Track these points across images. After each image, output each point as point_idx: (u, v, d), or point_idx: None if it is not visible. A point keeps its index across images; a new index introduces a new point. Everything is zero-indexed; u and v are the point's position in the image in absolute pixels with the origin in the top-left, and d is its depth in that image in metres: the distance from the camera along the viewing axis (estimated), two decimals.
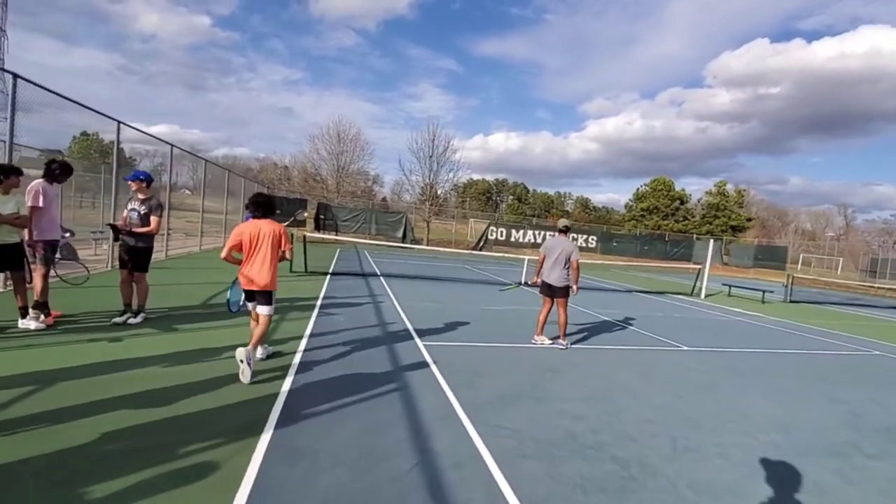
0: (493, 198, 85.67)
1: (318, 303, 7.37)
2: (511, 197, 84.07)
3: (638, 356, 5.94)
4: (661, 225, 44.24)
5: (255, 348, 3.85)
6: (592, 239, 32.26)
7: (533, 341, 5.98)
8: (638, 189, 48.14)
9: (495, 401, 3.83)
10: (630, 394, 4.39)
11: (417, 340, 5.54)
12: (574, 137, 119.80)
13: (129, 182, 5.02)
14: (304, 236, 11.67)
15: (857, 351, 7.75)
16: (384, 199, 56.44)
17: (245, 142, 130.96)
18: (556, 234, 6.24)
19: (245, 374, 3.62)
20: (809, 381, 5.53)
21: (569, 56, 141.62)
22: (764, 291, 14.71)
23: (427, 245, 27.91)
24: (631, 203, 48.90)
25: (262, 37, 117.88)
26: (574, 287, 6.04)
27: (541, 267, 6.18)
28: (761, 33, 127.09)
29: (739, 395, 4.67)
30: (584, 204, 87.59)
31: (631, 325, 8.12)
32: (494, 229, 29.96)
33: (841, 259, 40.16)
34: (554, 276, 5.98)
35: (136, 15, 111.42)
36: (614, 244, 33.38)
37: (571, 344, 6.13)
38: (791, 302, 14.89)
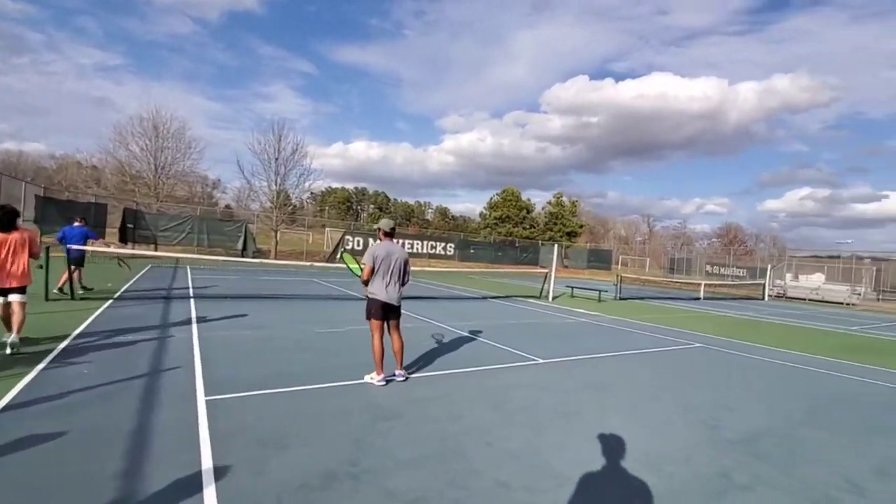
0: (354, 206, 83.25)
1: (63, 345, 5.06)
2: (372, 206, 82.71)
3: (492, 379, 5.10)
4: (513, 232, 47.37)
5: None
6: (451, 246, 32.66)
7: (368, 380, 4.61)
8: (491, 199, 50.98)
9: (293, 493, 2.45)
10: (483, 439, 3.40)
11: (200, 395, 3.84)
12: (433, 150, 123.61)
13: None
14: (48, 247, 8.62)
15: (684, 344, 8.22)
16: (228, 207, 50.05)
17: (40, 135, 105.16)
18: (381, 237, 4.94)
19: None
20: (659, 388, 5.30)
21: (426, 71, 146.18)
22: (600, 291, 15.87)
23: (274, 258, 24.92)
24: (485, 212, 51.52)
25: (67, 13, 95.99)
26: None
27: (368, 279, 4.72)
28: (583, 71, 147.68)
29: (600, 419, 4.05)
30: (444, 213, 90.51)
31: (486, 337, 7.43)
32: (351, 238, 28.17)
33: (648, 259, 47.84)
34: (393, 294, 4.72)
35: None
36: (471, 251, 34.31)
37: (413, 373, 5.02)
38: (621, 299, 16.35)
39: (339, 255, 7.49)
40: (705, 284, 22.44)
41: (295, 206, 46.03)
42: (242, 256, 23.07)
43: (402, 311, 4.98)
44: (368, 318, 4.73)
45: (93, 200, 23.04)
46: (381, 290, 4.70)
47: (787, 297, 25.90)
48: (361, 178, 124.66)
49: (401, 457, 2.99)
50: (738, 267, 35.04)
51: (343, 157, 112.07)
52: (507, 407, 4.17)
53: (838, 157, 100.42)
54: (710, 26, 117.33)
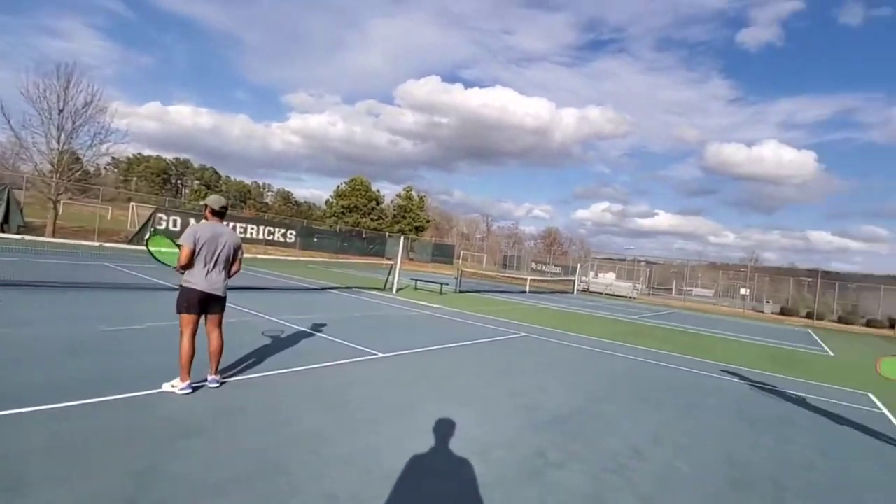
0: (173, 180, 72.11)
1: None
2: (197, 181, 72.72)
3: (329, 378, 4.74)
4: (360, 222, 46.64)
5: None
6: (291, 233, 30.53)
7: (169, 388, 3.78)
8: (338, 186, 49.31)
9: None
10: (311, 447, 3.05)
11: None
12: (276, 127, 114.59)
13: None
14: None
15: (511, 334, 8.98)
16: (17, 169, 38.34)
17: None
18: (208, 216, 4.16)
19: None
20: (490, 376, 5.60)
21: (274, 40, 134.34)
22: (441, 284, 16.55)
23: (52, 236, 19.85)
24: (332, 200, 49.63)
25: None
26: None
27: (186, 266, 3.92)
28: (436, 71, 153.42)
29: (437, 410, 4.04)
30: (286, 197, 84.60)
31: (324, 332, 6.97)
32: (165, 217, 23.95)
33: (485, 255, 52.14)
34: (216, 283, 4.00)
35: None
36: (314, 240, 32.65)
37: (231, 377, 4.37)
38: (460, 292, 17.33)
39: (146, 237, 6.15)
40: (530, 280, 25.29)
41: (88, 171, 37.60)
42: (1, 231, 17.89)
43: (228, 303, 4.27)
44: (179, 311, 3.91)
45: None
46: (201, 277, 3.93)
47: (589, 291, 30.84)
48: (185, 147, 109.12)
49: (202, 483, 2.46)
50: (556, 265, 40.52)
51: (161, 121, 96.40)
52: (343, 407, 3.87)
53: (629, 179, 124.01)
54: (544, 53, 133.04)
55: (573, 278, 29.90)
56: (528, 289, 23.74)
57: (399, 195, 51.49)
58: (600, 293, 30.34)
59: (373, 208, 49.03)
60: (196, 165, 75.30)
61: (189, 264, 3.90)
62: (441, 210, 76.64)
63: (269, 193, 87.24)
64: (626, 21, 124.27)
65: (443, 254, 40.57)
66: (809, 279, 33.23)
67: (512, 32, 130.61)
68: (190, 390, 3.80)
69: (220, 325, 4.17)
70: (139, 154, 69.77)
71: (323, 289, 13.55)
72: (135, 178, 67.14)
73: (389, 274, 15.37)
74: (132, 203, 35.42)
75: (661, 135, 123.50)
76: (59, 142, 22.68)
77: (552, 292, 26.63)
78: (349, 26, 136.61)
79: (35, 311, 6.15)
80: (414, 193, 51.58)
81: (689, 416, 4.91)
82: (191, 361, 3.85)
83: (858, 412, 5.93)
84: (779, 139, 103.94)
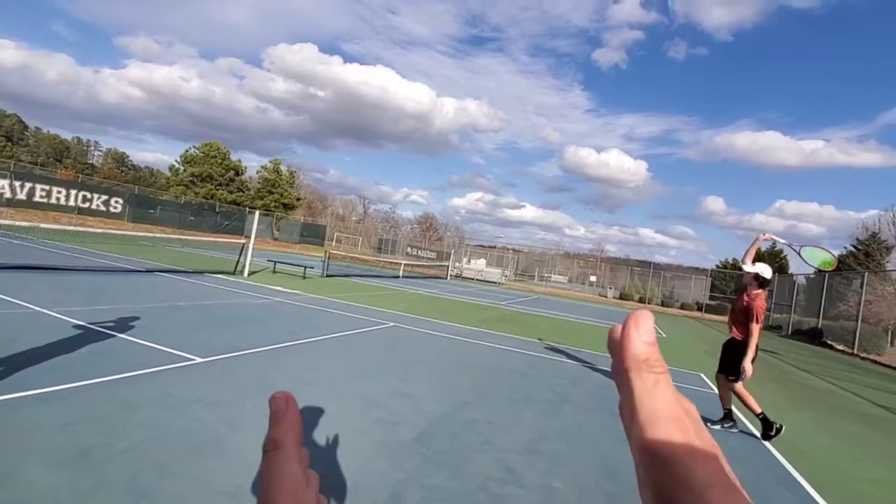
0: None
1: None
2: None
3: (107, 398, 3.27)
4: (215, 194, 41.13)
5: None
6: (118, 202, 25.18)
7: None
8: (187, 151, 42.65)
9: None
10: None
11: None
12: (109, 75, 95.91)
13: None
14: None
15: (378, 325, 8.07)
16: None
17: None
18: None
19: None
20: (343, 381, 4.62)
21: None
22: (306, 267, 14.91)
23: None
24: (178, 166, 42.80)
25: None
26: None
27: None
28: (313, 39, 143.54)
29: (257, 443, 2.94)
30: (121, 159, 71.17)
31: (125, 330, 5.23)
32: None
33: (360, 238, 50.38)
34: None
35: None
36: (150, 211, 27.63)
37: None
38: (327, 276, 15.86)
39: None
40: (405, 264, 24.68)
41: None
42: None
43: None
44: None
45: None
46: None
47: (462, 277, 31.49)
48: None
49: None
50: (431, 251, 40.69)
51: None
52: (101, 449, 2.54)
53: (501, 172, 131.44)
54: (427, 40, 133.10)
55: (447, 264, 30.16)
56: (402, 273, 23.10)
57: (265, 167, 46.75)
58: (472, 279, 31.16)
59: (231, 179, 43.73)
60: None
61: None
62: (314, 189, 72.18)
63: (97, 153, 72.61)
64: (504, 22, 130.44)
65: (313, 234, 37.85)
66: (639, 269, 38.62)
67: (396, 12, 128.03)
68: None
69: None
70: None
71: (148, 271, 11.03)
72: None
73: (241, 254, 13.27)
74: None
75: (529, 133, 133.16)
76: None
77: (426, 277, 26.43)
78: None
79: None
80: (283, 167, 47.32)
81: (559, 413, 4.57)
82: None
83: (694, 393, 6.32)
84: (621, 148, 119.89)
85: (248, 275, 12.56)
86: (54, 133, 65.03)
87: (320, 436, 3.22)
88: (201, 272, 12.09)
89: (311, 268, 15.54)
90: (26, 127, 60.83)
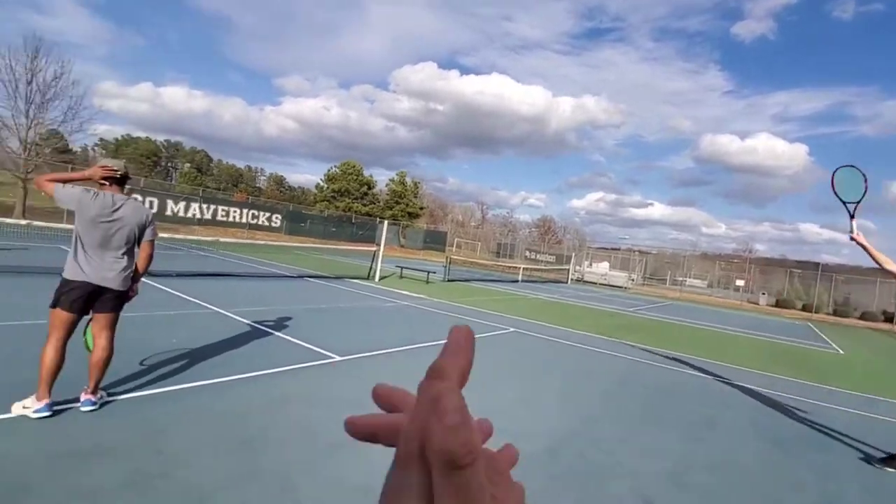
0: (164, 163, 70.19)
1: None
2: (188, 164, 70.84)
3: (258, 392, 3.76)
4: (352, 207, 45.46)
5: None
6: (277, 218, 29.34)
7: (21, 410, 2.82)
8: (329, 170, 47.95)
9: None
10: None
11: None
12: (270, 111, 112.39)
13: None
14: None
15: (500, 330, 8.04)
16: None
17: None
18: (106, 184, 3.17)
19: None
20: (467, 386, 4.66)
21: (266, 22, 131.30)
22: (429, 272, 15.58)
23: (20, 217, 18.66)
24: (322, 184, 48.32)
25: None
26: (135, 287, 3.31)
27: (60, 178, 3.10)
28: (433, 57, 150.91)
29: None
30: (279, 182, 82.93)
31: (278, 328, 5.99)
32: (141, 198, 22.81)
33: (479, 243, 51.21)
34: (110, 272, 3.03)
35: None
36: (302, 225, 31.54)
37: (125, 392, 3.40)
38: (449, 281, 16.37)
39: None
40: (524, 268, 24.38)
41: (73, 152, 36.24)
42: None
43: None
44: (52, 305, 2.95)
45: None
46: (84, 263, 2.99)
47: (584, 281, 30.00)
48: (177, 130, 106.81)
49: None
50: (550, 254, 39.62)
51: (153, 103, 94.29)
52: (259, 442, 2.90)
53: (623, 169, 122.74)
54: (542, 41, 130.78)
55: (567, 267, 29.02)
56: (521, 277, 22.84)
57: (392, 180, 50.27)
58: (595, 283, 29.50)
59: (365, 193, 47.87)
60: (187, 148, 73.25)
61: (73, 247, 2.99)
62: (435, 197, 75.42)
63: (262, 178, 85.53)
64: (625, 10, 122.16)
65: (435, 241, 39.56)
66: (800, 271, 32.63)
67: (511, 19, 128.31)
68: (48, 413, 2.83)
69: (111, 327, 3.18)
70: (128, 135, 67.79)
71: (300, 276, 12.55)
72: (124, 160, 65.21)
73: (372, 261, 14.38)
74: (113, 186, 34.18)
75: (655, 125, 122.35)
76: (27, 116, 21.41)
77: (546, 281, 25.75)
78: (346, 8, 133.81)
79: None
80: (408, 179, 50.38)
81: (706, 440, 4.01)
82: (54, 374, 2.90)
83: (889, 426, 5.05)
84: (771, 132, 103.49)
85: (379, 279, 13.53)
86: (231, 163, 78.34)
87: None
88: (340, 277, 13.38)
89: (434, 272, 16.17)
90: (211, 160, 74.19)
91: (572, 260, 29.95)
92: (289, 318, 6.63)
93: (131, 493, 2.20)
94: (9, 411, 2.80)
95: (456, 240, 47.80)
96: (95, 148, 60.73)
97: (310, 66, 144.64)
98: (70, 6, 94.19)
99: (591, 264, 33.52)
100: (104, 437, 2.70)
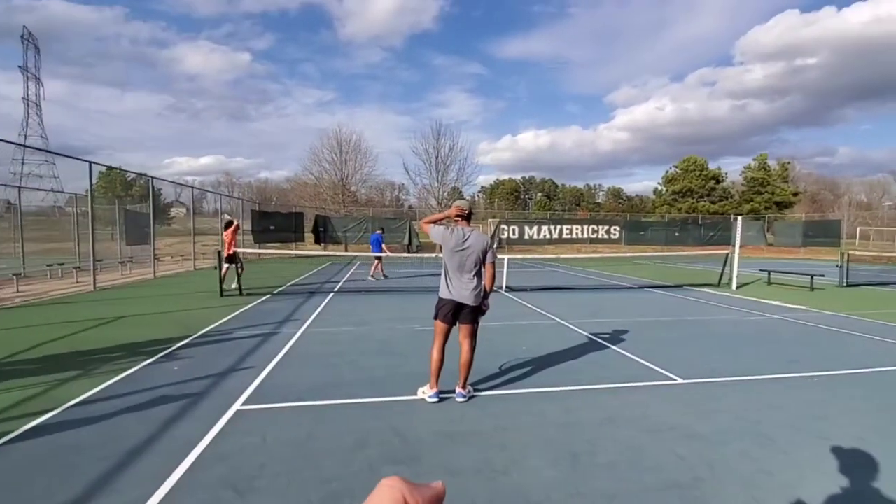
0: (522, 196, 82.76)
1: (181, 343, 5.55)
2: (539, 193, 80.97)
3: (592, 407, 3.77)
4: (697, 207, 40.45)
5: None
6: (616, 229, 29.26)
7: (420, 394, 3.87)
8: (667, 172, 44.39)
9: None
10: None
11: (238, 404, 3.62)
12: (603, 129, 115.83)
13: None
14: (235, 253, 9.94)
15: None
16: (410, 207, 55.27)
17: (283, 164, 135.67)
18: (456, 221, 3.98)
19: None
20: (886, 439, 3.20)
21: (593, 47, 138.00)
22: (813, 276, 11.88)
23: (439, 252, 26.14)
24: (660, 188, 45.16)
25: (295, 62, 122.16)
26: (486, 302, 3.97)
27: (436, 217, 4.06)
28: (790, 4, 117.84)
29: (738, 491, 2.47)
30: (617, 194, 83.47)
31: (615, 342, 5.89)
32: (506, 228, 27.66)
33: None
34: (466, 291, 3.79)
35: (182, 58, 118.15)
36: (640, 233, 30.30)
37: (484, 389, 4.05)
38: (847, 286, 11.99)
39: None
40: None
41: (468, 201, 48.03)
42: (408, 251, 24.76)
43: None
44: (435, 318, 3.97)
45: (293, 210, 27.70)
46: (445, 285, 3.88)
47: None
48: (531, 167, 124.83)
49: None
50: None
51: (512, 150, 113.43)
52: (586, 458, 2.89)
53: None
54: None
55: None
56: None
57: (748, 167, 41.81)
58: None
59: (712, 189, 41.74)
60: (538, 180, 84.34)
61: (443, 273, 3.91)
62: (818, 177, 57.63)
63: (600, 193, 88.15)
64: None
65: (822, 233, 29.82)
66: None
67: None
68: (436, 399, 3.75)
69: (471, 335, 3.95)
70: (497, 179, 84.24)
71: (640, 287, 12.04)
72: (496, 200, 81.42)
73: (725, 265, 12.23)
74: (488, 220, 43.13)
75: None
76: (437, 181, 30.25)
77: None
78: (665, 1, 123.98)
79: (382, 312, 7.80)
80: (771, 162, 40.73)
81: None
82: (438, 370, 3.82)
83: None
84: None
85: (737, 287, 11.34)
86: (572, 185, 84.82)
87: None
88: (684, 286, 12.03)
89: (822, 276, 12.20)
90: (557, 185, 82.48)
91: None
92: (625, 332, 6.43)
93: (479, 479, 2.61)
94: (416, 394, 3.88)
95: (858, 229, 34.69)
96: (479, 195, 78.33)
97: (637, 71, 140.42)
98: (460, 96, 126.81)
99: None
100: (468, 425, 3.33)
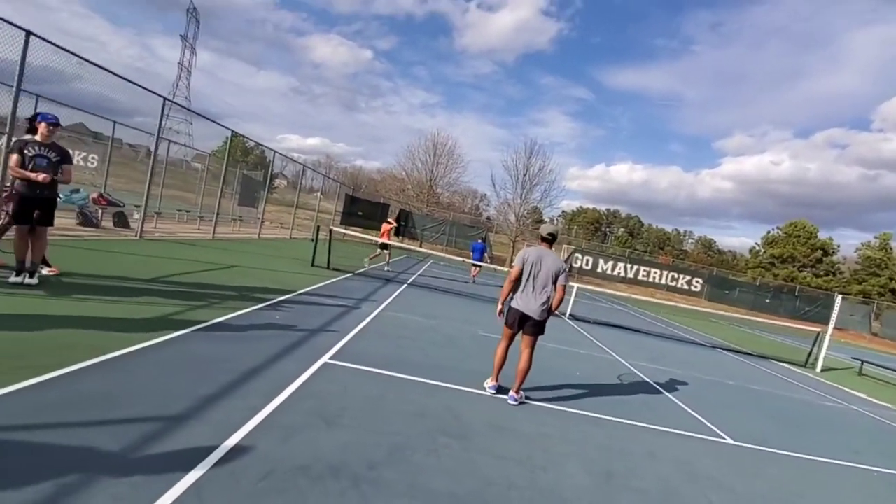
0: (603, 228, 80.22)
1: (286, 297, 6.47)
2: (622, 229, 77.91)
3: (634, 441, 3.98)
4: (797, 277, 36.87)
5: None
6: (698, 281, 27.67)
7: (484, 385, 4.39)
8: (768, 233, 40.89)
9: (285, 473, 2.43)
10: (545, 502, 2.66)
11: (325, 357, 4.30)
12: (706, 174, 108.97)
13: (40, 123, 4.55)
14: (331, 230, 11.06)
15: None
16: (488, 218, 56.09)
17: (378, 156, 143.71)
18: (538, 243, 4.48)
19: None
20: None
21: (711, 89, 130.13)
22: None
23: (508, 266, 26.42)
24: (758, 248, 41.67)
25: (410, 64, 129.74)
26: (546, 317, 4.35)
27: (511, 287, 4.41)
28: None
29: None
30: (707, 245, 78.00)
31: (671, 391, 5.92)
32: (580, 257, 27.37)
33: None
34: (533, 305, 4.21)
35: (313, 47, 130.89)
36: (727, 291, 28.32)
37: (536, 399, 4.40)
38: None
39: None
40: None
41: (545, 222, 47.87)
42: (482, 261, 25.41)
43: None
44: (506, 323, 4.44)
45: (381, 201, 29.42)
46: (518, 297, 4.32)
47: None
48: (617, 200, 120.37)
49: (424, 483, 2.60)
50: None
51: (602, 179, 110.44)
52: (621, 479, 3.17)
53: None
54: None
55: None
56: None
57: (866, 245, 37.37)
58: None
59: (818, 260, 37.85)
60: (623, 215, 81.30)
61: (517, 282, 4.32)
62: None
63: (690, 241, 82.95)
64: None
65: None
66: None
67: None
68: (494, 391, 4.26)
69: (531, 346, 4.33)
70: (580, 206, 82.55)
71: (712, 346, 11.53)
72: (575, 227, 79.90)
73: (815, 344, 11.33)
74: (563, 246, 42.54)
75: None
76: (521, 198, 30.61)
77: None
78: (810, 50, 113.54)
79: (450, 312, 8.33)
80: (894, 244, 36.10)
81: None
82: (500, 366, 4.34)
83: None
84: None
85: (821, 370, 10.49)
86: (660, 227, 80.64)
87: None
88: (764, 357, 11.32)
89: None
90: (642, 224, 78.87)
91: None
92: (683, 384, 6.40)
93: (521, 469, 2.99)
94: (475, 387, 4.33)
95: None
96: (558, 219, 77.26)
97: (757, 120, 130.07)
98: (560, 118, 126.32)
99: None
100: (516, 424, 3.72)
